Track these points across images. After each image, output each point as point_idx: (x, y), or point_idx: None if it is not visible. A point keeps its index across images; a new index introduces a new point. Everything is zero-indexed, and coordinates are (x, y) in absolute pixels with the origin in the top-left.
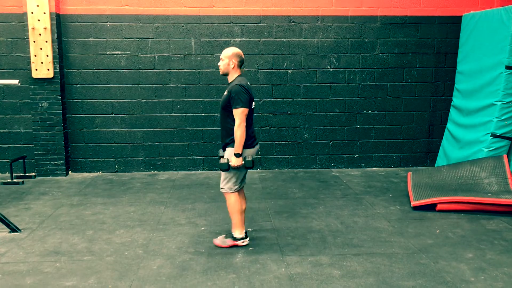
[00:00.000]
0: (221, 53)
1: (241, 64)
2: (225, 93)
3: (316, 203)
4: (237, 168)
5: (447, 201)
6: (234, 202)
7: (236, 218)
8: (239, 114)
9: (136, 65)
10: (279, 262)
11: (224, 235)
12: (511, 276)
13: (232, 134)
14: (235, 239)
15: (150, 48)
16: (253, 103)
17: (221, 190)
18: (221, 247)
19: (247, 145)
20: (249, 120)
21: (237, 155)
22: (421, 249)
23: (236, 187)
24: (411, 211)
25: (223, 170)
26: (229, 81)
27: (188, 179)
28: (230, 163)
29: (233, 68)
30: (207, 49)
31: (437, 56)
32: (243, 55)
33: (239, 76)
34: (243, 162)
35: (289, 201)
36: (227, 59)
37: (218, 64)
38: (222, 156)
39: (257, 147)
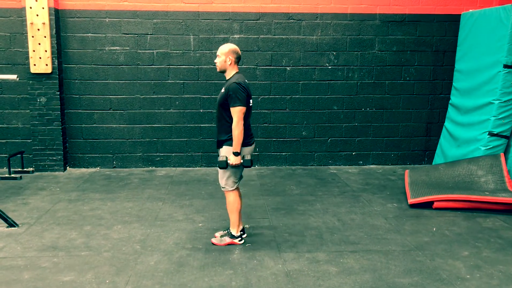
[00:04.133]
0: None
1: (238, 60)
2: (222, 90)
3: (314, 200)
4: (235, 167)
5: (444, 199)
6: (233, 201)
7: (234, 217)
8: (237, 113)
9: (134, 61)
10: (276, 259)
11: (221, 234)
12: (507, 274)
13: (230, 132)
14: (233, 236)
15: (149, 44)
16: (251, 101)
17: (222, 189)
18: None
19: (244, 143)
20: (247, 119)
21: (235, 154)
22: (418, 247)
23: (236, 184)
24: (408, 208)
25: (221, 168)
26: (227, 78)
27: (186, 176)
28: (228, 161)
29: (230, 64)
30: (206, 46)
31: (435, 54)
32: (239, 51)
33: (236, 73)
34: (242, 160)
35: (287, 198)
36: (224, 55)
37: (215, 61)
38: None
39: (254, 145)
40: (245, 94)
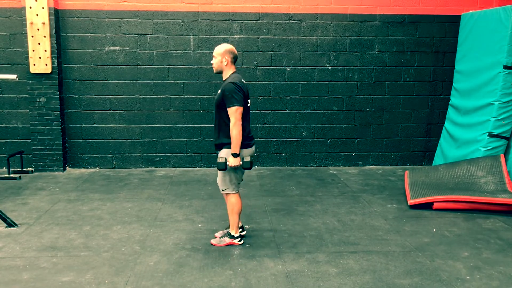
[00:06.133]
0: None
1: (234, 60)
2: (219, 91)
3: (313, 201)
4: (234, 168)
5: (444, 200)
6: (235, 203)
7: (234, 219)
8: (234, 113)
9: (134, 61)
10: (276, 259)
11: (221, 234)
12: (507, 275)
13: (228, 133)
14: (232, 237)
15: (149, 44)
16: (249, 101)
17: (222, 191)
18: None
19: (244, 145)
20: (245, 119)
21: (234, 155)
22: (418, 248)
23: (238, 187)
24: (408, 209)
25: (220, 170)
26: (224, 79)
27: (185, 176)
28: (227, 163)
29: (226, 65)
30: (206, 46)
31: (435, 55)
32: (236, 51)
33: (233, 73)
34: (241, 162)
35: (287, 198)
36: (220, 56)
37: (211, 62)
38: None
39: (254, 147)
40: (242, 94)
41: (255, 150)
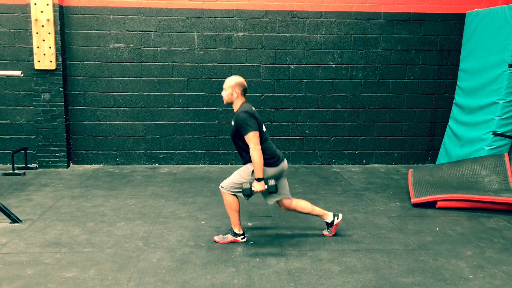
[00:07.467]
0: (224, 47)
1: (244, 92)
2: (232, 123)
3: (317, 198)
4: (262, 193)
5: (447, 199)
6: (230, 201)
7: (233, 216)
8: (251, 139)
9: (138, 58)
10: (279, 257)
11: (223, 232)
12: (510, 274)
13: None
14: (235, 234)
15: (153, 41)
16: (264, 127)
17: (220, 188)
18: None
19: (268, 163)
20: (265, 141)
21: (258, 180)
22: (421, 246)
23: (236, 193)
24: (411, 208)
25: (245, 196)
26: (235, 111)
27: (189, 173)
28: (252, 188)
29: (236, 97)
30: (210, 43)
31: (440, 53)
32: (245, 83)
33: (243, 103)
34: (266, 186)
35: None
36: (230, 89)
37: (222, 94)
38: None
39: (283, 164)
40: (254, 119)
41: (286, 166)
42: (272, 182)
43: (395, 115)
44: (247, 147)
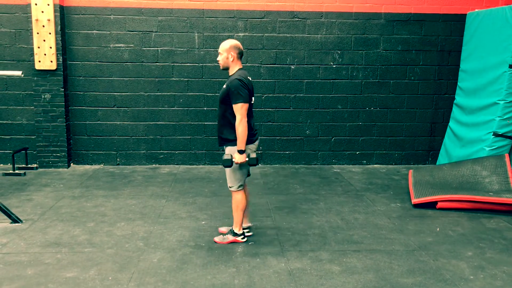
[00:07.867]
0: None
1: (240, 56)
2: (224, 86)
3: (317, 199)
4: (240, 165)
5: (448, 199)
6: (240, 200)
7: (238, 216)
8: (240, 110)
9: (139, 58)
10: (279, 257)
11: (224, 231)
12: (510, 275)
13: (232, 130)
14: (235, 234)
15: (153, 42)
16: (253, 98)
17: (230, 189)
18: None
19: (248, 140)
20: (249, 115)
21: (240, 152)
22: (421, 247)
23: (241, 183)
24: (412, 208)
25: (226, 167)
26: (230, 75)
27: (189, 173)
28: (233, 160)
29: (232, 61)
30: (210, 44)
31: (440, 54)
32: (241, 47)
33: (239, 69)
34: (247, 159)
35: (290, 196)
36: (225, 52)
37: (218, 59)
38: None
39: (257, 142)
40: (247, 90)
41: (259, 146)
42: (253, 155)
43: (396, 115)
44: (232, 116)
